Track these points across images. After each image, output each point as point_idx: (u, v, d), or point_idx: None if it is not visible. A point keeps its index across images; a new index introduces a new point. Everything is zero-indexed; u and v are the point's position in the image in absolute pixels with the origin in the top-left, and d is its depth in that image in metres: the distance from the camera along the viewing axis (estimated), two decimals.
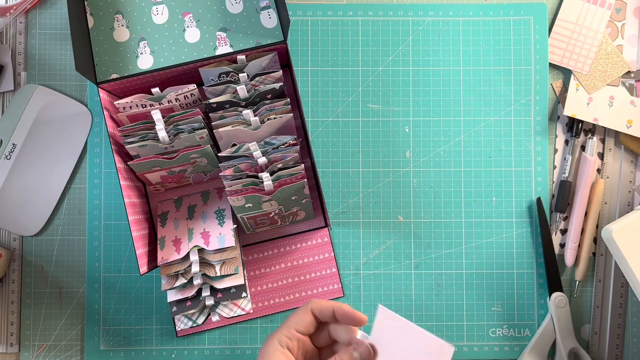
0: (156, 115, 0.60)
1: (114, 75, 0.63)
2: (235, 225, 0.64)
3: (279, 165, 0.59)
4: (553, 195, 0.70)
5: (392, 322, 0.48)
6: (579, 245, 0.69)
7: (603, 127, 0.71)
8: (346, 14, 0.72)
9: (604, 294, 0.69)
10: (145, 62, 0.63)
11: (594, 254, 0.70)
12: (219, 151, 0.65)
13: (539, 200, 0.69)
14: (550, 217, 0.70)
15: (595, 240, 0.70)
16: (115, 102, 0.61)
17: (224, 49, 0.63)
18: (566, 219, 0.70)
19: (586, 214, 0.70)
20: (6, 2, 0.70)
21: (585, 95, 0.70)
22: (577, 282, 0.69)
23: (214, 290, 0.63)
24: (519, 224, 0.70)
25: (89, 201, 0.70)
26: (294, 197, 0.62)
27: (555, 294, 0.67)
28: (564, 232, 0.70)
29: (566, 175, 0.69)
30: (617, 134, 0.71)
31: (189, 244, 0.62)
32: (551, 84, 0.71)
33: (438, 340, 0.47)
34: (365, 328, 0.51)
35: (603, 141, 0.71)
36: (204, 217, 0.65)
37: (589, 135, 0.71)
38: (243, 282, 0.62)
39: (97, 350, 0.68)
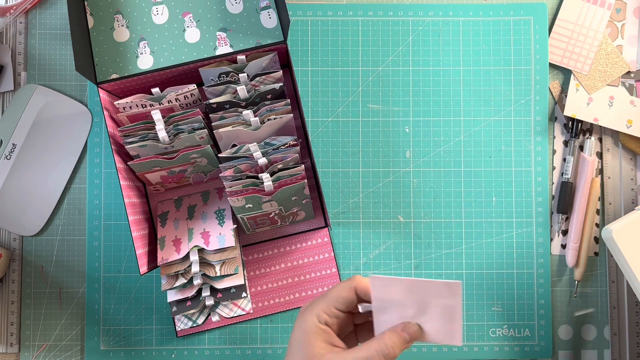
0: (156, 115, 0.60)
1: (114, 75, 0.63)
2: (235, 225, 0.64)
3: (279, 166, 0.59)
4: (553, 197, 0.70)
5: (389, 284, 0.46)
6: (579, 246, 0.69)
7: (600, 126, 0.71)
8: (346, 14, 0.72)
9: (619, 295, 0.69)
10: (145, 62, 0.63)
11: (595, 253, 0.70)
12: (219, 151, 0.65)
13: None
14: (551, 219, 0.70)
15: (596, 240, 0.70)
16: (115, 102, 0.61)
17: (224, 49, 0.63)
18: (567, 219, 0.70)
19: (585, 214, 0.70)
20: (6, 2, 0.70)
21: (585, 95, 0.70)
22: (577, 282, 0.69)
23: (214, 290, 0.63)
24: (519, 224, 0.70)
25: (89, 201, 0.70)
26: (294, 198, 0.62)
27: None
28: (565, 232, 0.70)
29: (568, 176, 0.69)
30: (615, 134, 0.71)
31: (189, 244, 0.62)
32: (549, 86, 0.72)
33: (442, 281, 0.45)
34: None
35: (601, 141, 0.71)
36: (204, 217, 0.65)
37: (587, 135, 0.71)
38: (243, 282, 0.62)
39: (97, 350, 0.68)
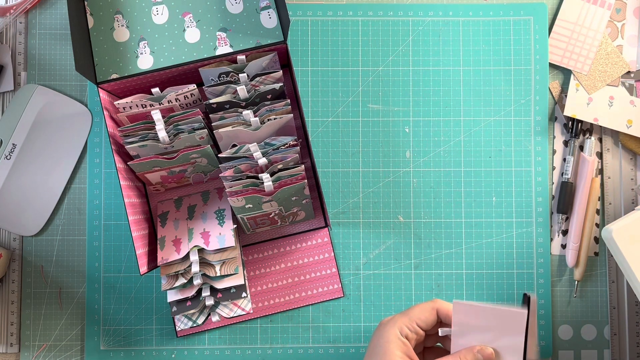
0: (156, 115, 0.60)
1: (114, 75, 0.63)
2: (235, 225, 0.64)
3: (279, 166, 0.59)
4: (553, 197, 0.70)
5: (466, 311, 0.49)
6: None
7: (600, 126, 0.71)
8: (346, 14, 0.72)
9: (619, 295, 0.69)
10: (145, 62, 0.63)
11: (595, 253, 0.70)
12: (219, 151, 0.65)
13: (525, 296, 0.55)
14: (551, 219, 0.70)
15: (596, 240, 0.70)
16: (115, 102, 0.61)
17: (224, 49, 0.63)
18: (567, 219, 0.70)
19: (585, 214, 0.70)
20: (6, 2, 0.70)
21: (585, 96, 0.70)
22: (577, 282, 0.69)
23: (214, 290, 0.63)
24: (519, 224, 0.70)
25: (89, 201, 0.70)
26: (294, 198, 0.62)
27: None
28: (565, 232, 0.70)
29: (568, 176, 0.69)
30: (615, 134, 0.71)
31: (189, 244, 0.62)
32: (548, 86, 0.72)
33: (510, 309, 0.48)
34: None
35: (601, 140, 0.71)
36: (204, 217, 0.65)
37: (587, 135, 0.71)
38: (243, 282, 0.62)
39: (97, 350, 0.68)
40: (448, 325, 0.51)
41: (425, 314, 0.51)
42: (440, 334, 0.51)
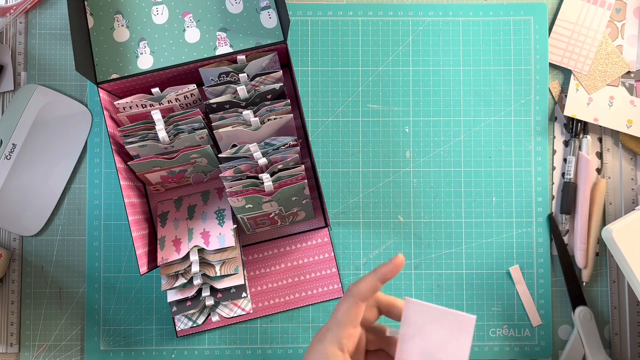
0: (156, 115, 0.60)
1: (114, 75, 0.63)
2: (235, 225, 0.64)
3: (279, 166, 0.59)
4: (553, 197, 0.70)
5: (418, 310, 0.49)
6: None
7: (600, 126, 0.71)
8: (346, 14, 0.72)
9: (620, 295, 0.69)
10: (145, 62, 0.63)
11: (597, 254, 0.70)
12: (219, 151, 0.65)
13: (551, 216, 0.68)
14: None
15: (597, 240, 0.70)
16: (115, 102, 0.61)
17: (224, 49, 0.63)
18: (567, 219, 0.70)
19: (590, 214, 0.70)
20: (6, 2, 0.70)
21: (585, 96, 0.70)
22: (584, 283, 0.69)
23: (214, 290, 0.63)
24: (519, 224, 0.70)
25: (89, 201, 0.70)
26: (294, 198, 0.62)
27: (579, 309, 0.67)
28: (566, 233, 0.70)
29: (570, 176, 0.69)
30: (615, 134, 0.71)
31: (189, 244, 0.62)
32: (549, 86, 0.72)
33: (458, 313, 0.48)
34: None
35: (600, 140, 0.71)
36: (204, 217, 0.65)
37: (584, 134, 0.71)
38: (243, 282, 0.62)
39: (97, 350, 0.68)
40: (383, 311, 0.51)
41: (352, 311, 0.48)
42: (387, 334, 0.50)
